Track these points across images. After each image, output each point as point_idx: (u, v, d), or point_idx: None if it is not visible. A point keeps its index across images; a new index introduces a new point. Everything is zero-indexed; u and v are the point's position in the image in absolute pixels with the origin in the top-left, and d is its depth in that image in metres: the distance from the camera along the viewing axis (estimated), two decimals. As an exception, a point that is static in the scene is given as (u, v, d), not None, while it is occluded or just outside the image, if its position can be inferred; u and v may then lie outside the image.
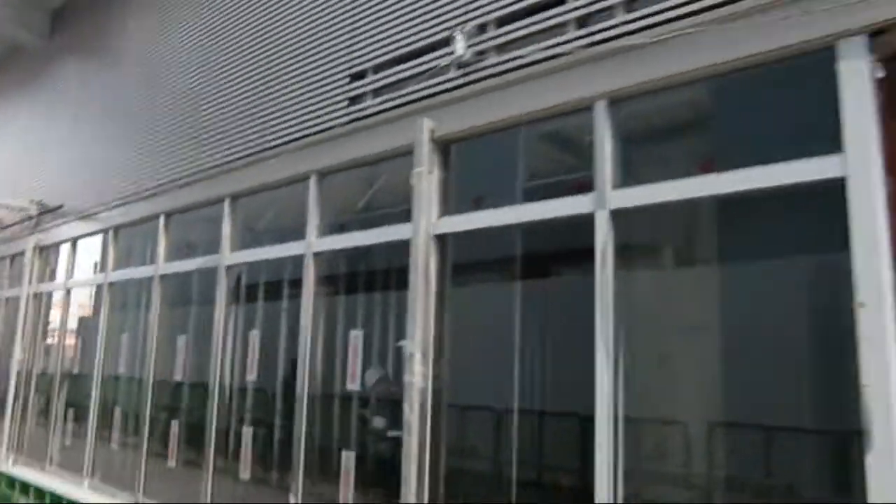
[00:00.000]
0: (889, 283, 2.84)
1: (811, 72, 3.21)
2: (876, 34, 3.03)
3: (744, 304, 3.77)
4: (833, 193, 3.02)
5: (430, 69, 4.57)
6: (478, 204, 4.45)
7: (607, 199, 3.61)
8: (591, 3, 3.88)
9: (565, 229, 4.08)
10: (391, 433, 4.52)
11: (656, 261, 3.96)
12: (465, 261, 4.60)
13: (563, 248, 4.30)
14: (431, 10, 4.67)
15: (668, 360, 3.97)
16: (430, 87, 4.58)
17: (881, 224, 2.87)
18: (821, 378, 3.36)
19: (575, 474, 4.17)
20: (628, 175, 3.68)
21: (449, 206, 4.47)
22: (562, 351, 4.25)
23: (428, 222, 4.37)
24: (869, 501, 2.73)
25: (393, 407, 4.59)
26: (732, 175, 3.26)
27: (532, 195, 4.29)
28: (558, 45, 3.94)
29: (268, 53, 6.09)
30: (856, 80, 2.97)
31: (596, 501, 3.47)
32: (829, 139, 3.04)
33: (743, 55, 3.30)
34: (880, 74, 3.01)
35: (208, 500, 6.00)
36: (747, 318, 3.75)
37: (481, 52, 4.31)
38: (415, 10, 4.79)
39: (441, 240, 4.42)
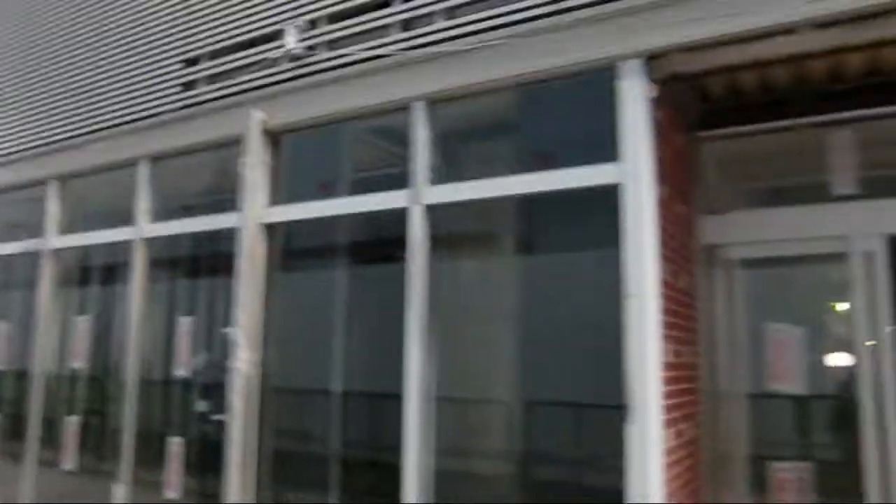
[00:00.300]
0: (653, 278, 3.27)
1: (601, 87, 3.57)
2: (652, 58, 3.44)
3: (547, 293, 4.15)
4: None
5: (264, 60, 4.64)
6: (325, 190, 4.57)
7: (422, 194, 3.86)
8: (414, 9, 4.10)
9: (392, 219, 4.29)
10: (216, 417, 4.57)
11: (470, 252, 4.27)
12: (295, 248, 4.73)
13: (390, 237, 4.50)
14: (266, 2, 4.73)
15: (480, 343, 4.30)
16: (263, 77, 4.64)
17: (648, 226, 3.28)
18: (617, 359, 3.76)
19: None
20: (443, 172, 3.95)
21: (279, 195, 4.57)
22: (390, 335, 4.47)
23: (256, 211, 4.45)
24: (627, 466, 3.14)
25: (221, 392, 4.64)
26: (528, 177, 3.60)
27: (362, 187, 4.48)
28: (384, 45, 4.13)
29: (100, 31, 5.88)
30: (632, 98, 3.37)
31: (403, 475, 3.72)
32: (611, 149, 3.42)
33: (545, 67, 3.63)
34: (654, 94, 3.42)
35: (28, 494, 5.78)
36: (550, 305, 4.13)
37: (312, 47, 4.42)
38: (250, 0, 4.83)
39: (270, 228, 4.51)
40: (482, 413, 4.37)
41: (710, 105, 4.43)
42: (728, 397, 4.42)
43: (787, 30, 3.25)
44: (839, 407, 4.13)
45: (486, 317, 4.36)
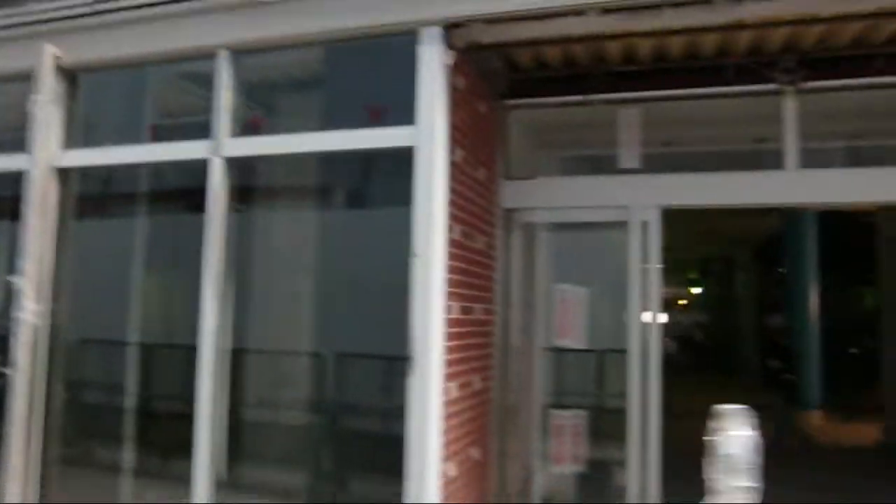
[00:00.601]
0: (441, 238, 3.43)
1: (404, 51, 3.63)
2: (452, 27, 3.55)
3: (353, 248, 4.25)
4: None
5: (60, -10, 4.31)
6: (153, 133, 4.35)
7: (223, 146, 3.79)
8: (225, -48, 3.95)
9: (197, 169, 4.18)
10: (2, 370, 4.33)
11: (278, 205, 4.27)
12: (94, 194, 4.51)
13: (195, 187, 4.40)
14: (64, -74, 4.38)
15: (286, 296, 4.35)
16: (59, 10, 4.31)
17: (439, 189, 3.42)
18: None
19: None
20: (247, 125, 3.90)
21: (75, 138, 4.31)
22: (191, 287, 4.40)
23: (48, 153, 4.18)
24: (408, 415, 3.32)
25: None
26: (327, 135, 3.64)
27: (170, 133, 4.34)
28: (190, -12, 3.97)
29: None
30: (430, 63, 3.47)
31: (196, 425, 3.72)
32: (410, 112, 3.52)
33: (350, 26, 3.65)
34: (451, 61, 3.54)
35: None
36: (355, 259, 4.24)
37: (113, -18, 4.17)
38: (46, -78, 4.45)
39: (64, 173, 4.26)
40: (287, 364, 4.44)
41: (519, 75, 4.63)
42: (522, 352, 4.76)
43: (577, 11, 3.46)
44: (617, 359, 4.54)
45: (292, 271, 4.40)
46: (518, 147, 4.86)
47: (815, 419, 10.39)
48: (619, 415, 4.37)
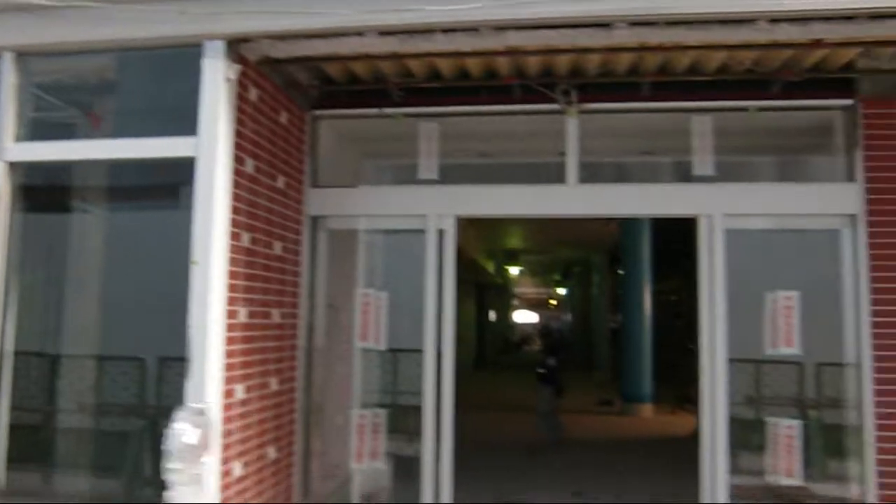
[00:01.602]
0: (220, 246, 3.55)
1: (191, 63, 3.70)
2: (237, 42, 3.68)
3: (129, 250, 4.30)
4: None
5: None
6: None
7: (5, 151, 3.76)
8: (13, -46, 3.91)
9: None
10: None
11: (69, 211, 4.26)
12: None
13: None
14: None
15: (80, 299, 4.34)
16: None
17: (220, 198, 3.54)
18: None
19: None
20: (33, 129, 3.88)
21: None
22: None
23: None
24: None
25: None
26: (110, 143, 3.69)
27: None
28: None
29: None
30: (213, 76, 3.58)
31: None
32: (193, 122, 3.61)
33: (137, 36, 3.69)
34: (232, 76, 3.66)
35: None
36: (129, 262, 4.29)
37: None
38: None
39: None
40: (80, 367, 4.43)
41: (331, 87, 4.79)
42: (334, 354, 4.95)
43: (357, 32, 3.68)
44: (416, 360, 4.78)
45: (93, 273, 4.40)
46: (337, 156, 5.04)
47: (646, 411, 11.23)
48: (412, 411, 4.64)
